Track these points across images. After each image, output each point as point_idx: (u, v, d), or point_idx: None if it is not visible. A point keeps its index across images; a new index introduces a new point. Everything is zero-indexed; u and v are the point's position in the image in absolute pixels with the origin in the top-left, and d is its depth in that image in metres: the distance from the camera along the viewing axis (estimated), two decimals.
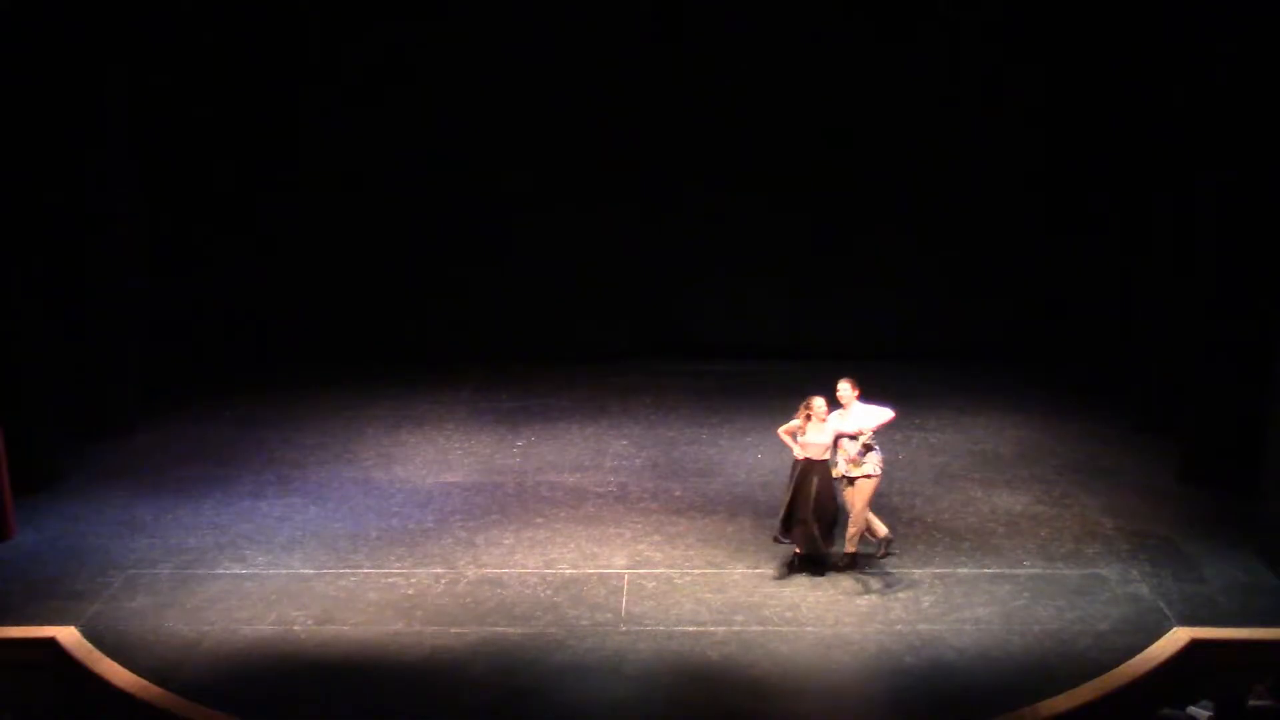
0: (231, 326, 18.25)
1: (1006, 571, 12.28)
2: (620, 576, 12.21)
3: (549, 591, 11.95)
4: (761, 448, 15.29)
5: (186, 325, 17.85)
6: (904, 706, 10.35)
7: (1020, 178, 17.97)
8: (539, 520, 13.43)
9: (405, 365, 17.93)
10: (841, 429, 11.92)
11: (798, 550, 12.11)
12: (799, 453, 11.87)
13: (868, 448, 11.93)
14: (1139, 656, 10.80)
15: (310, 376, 17.61)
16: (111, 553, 12.68)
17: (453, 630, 11.32)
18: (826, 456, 11.91)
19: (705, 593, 11.91)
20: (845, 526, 12.11)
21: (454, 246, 18.20)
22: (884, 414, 12.06)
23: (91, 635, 11.11)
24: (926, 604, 11.71)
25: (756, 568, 12.37)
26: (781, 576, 12.09)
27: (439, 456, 15.19)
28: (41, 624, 11.26)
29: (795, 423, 11.94)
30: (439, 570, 12.36)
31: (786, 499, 11.98)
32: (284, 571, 12.33)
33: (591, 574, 12.27)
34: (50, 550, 12.74)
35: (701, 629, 11.31)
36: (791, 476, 11.97)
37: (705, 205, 18.09)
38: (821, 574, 12.05)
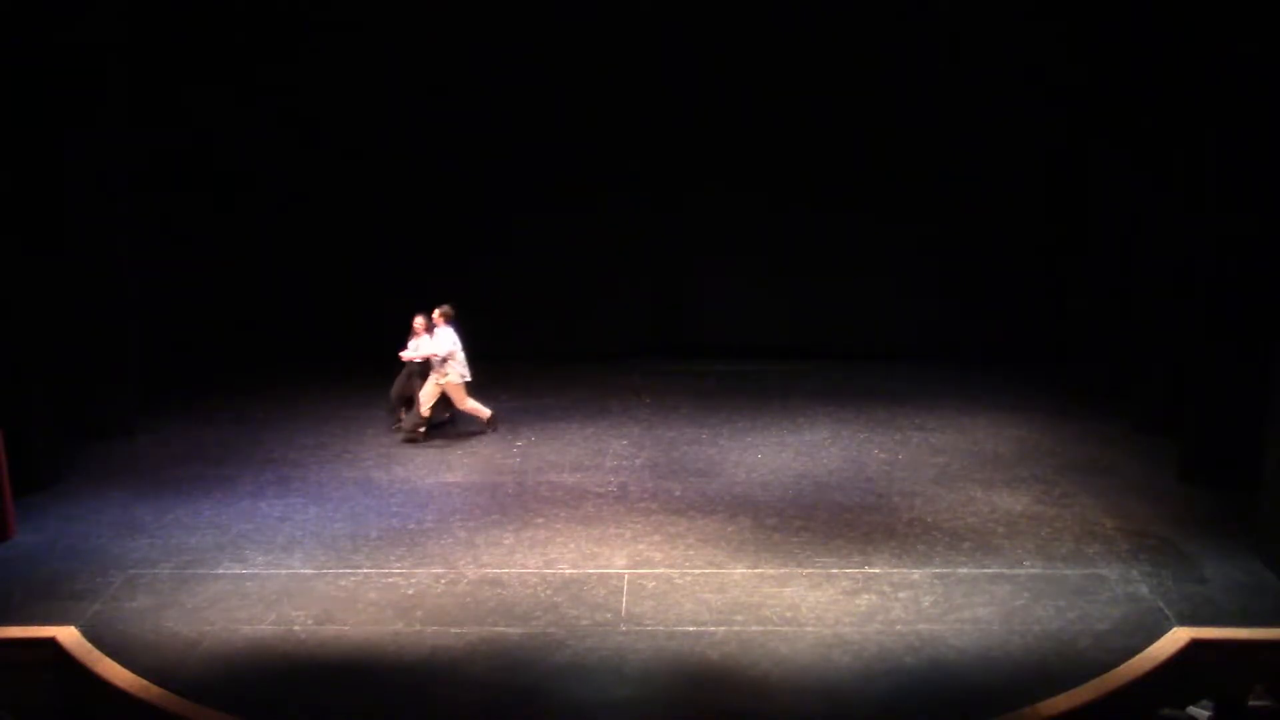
0: (231, 327, 18.26)
1: (1006, 571, 12.28)
2: (620, 576, 12.21)
3: (549, 591, 11.94)
4: (761, 448, 15.31)
5: (186, 326, 17.87)
6: (904, 706, 10.33)
7: (1021, 177, 17.97)
8: (539, 520, 13.43)
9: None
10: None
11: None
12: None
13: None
14: (1139, 656, 10.78)
15: (310, 376, 17.62)
16: (111, 553, 12.67)
17: (453, 630, 11.31)
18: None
19: (705, 593, 11.91)
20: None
21: (454, 246, 18.20)
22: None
23: (91, 635, 11.09)
24: (926, 604, 11.70)
25: (756, 568, 12.38)
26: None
27: (439, 456, 15.19)
28: (41, 624, 11.23)
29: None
30: (439, 570, 12.35)
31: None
32: (284, 571, 12.33)
33: (591, 574, 12.27)
34: (50, 550, 12.74)
35: (701, 629, 11.30)
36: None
37: (706, 205, 18.09)
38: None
